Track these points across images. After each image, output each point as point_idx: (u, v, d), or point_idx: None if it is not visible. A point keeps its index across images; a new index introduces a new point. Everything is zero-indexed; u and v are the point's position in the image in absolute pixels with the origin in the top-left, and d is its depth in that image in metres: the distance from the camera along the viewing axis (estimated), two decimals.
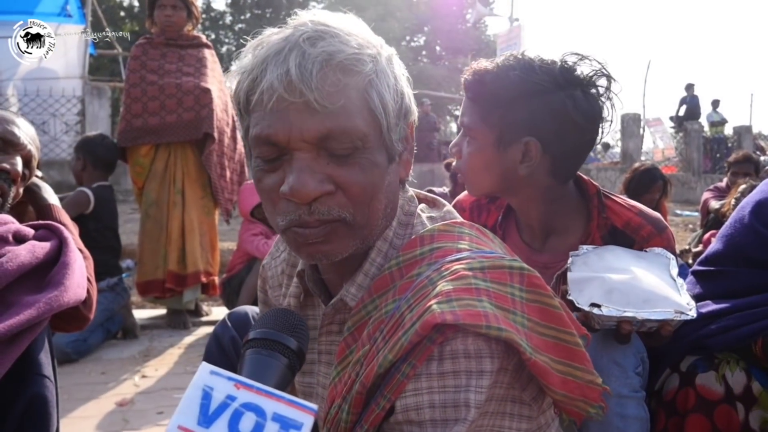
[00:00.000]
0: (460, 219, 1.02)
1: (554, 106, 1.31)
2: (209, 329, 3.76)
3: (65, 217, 1.64)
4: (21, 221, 1.40)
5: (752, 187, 3.77)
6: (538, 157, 1.36)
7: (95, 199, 3.45)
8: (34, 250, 1.28)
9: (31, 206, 1.65)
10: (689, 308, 1.17)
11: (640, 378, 1.24)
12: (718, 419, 1.21)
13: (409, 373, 0.80)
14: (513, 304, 0.83)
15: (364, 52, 0.87)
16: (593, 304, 1.17)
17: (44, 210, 1.61)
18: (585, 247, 1.34)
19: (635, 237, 1.40)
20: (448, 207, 1.06)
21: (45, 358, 1.28)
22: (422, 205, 1.04)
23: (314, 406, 0.72)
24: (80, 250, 1.52)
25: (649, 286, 1.21)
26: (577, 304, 1.18)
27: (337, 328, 1.01)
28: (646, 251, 1.35)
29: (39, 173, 1.65)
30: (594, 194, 1.45)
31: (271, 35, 0.88)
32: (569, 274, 1.26)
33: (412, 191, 1.05)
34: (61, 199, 1.75)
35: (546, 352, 0.83)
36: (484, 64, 1.39)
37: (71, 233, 1.58)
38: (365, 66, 0.86)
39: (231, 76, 0.91)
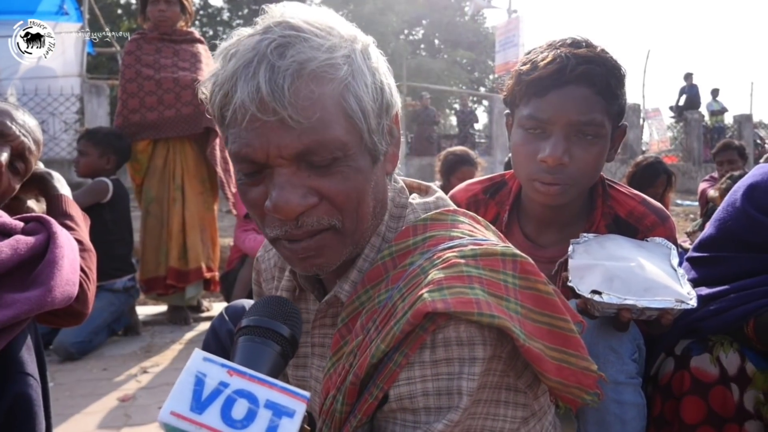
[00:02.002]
0: (452, 206, 1.01)
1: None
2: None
3: (74, 209, 1.60)
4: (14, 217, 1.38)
5: (741, 175, 3.80)
6: (621, 141, 1.41)
7: (113, 189, 3.44)
8: (17, 245, 1.23)
9: (42, 197, 1.62)
10: (690, 298, 1.17)
11: (636, 364, 1.24)
12: (713, 401, 1.22)
13: (401, 362, 0.80)
14: (506, 291, 0.83)
15: (337, 55, 0.83)
16: (594, 291, 1.17)
17: (53, 200, 1.58)
18: (586, 234, 1.34)
19: (638, 226, 1.40)
20: (440, 193, 1.05)
21: (28, 355, 1.25)
22: (413, 195, 1.03)
23: (307, 394, 0.72)
24: (81, 242, 1.49)
25: (650, 274, 1.20)
26: (577, 291, 1.18)
27: (330, 322, 1.01)
28: (647, 241, 1.35)
29: (41, 165, 1.62)
30: (599, 183, 1.45)
31: (240, 41, 0.84)
32: (570, 261, 1.25)
33: (402, 182, 1.04)
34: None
35: (540, 339, 0.83)
36: (582, 49, 1.32)
37: (77, 225, 1.55)
38: (339, 71, 0.83)
39: (204, 84, 0.88)
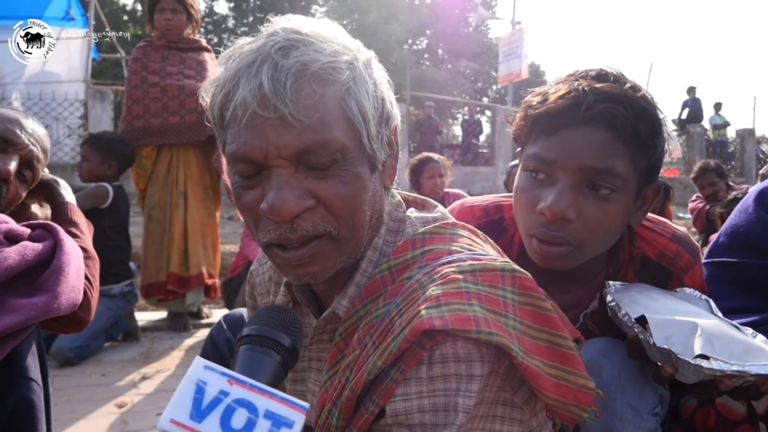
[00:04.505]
0: (452, 219, 1.00)
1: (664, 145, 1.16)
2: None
3: (79, 216, 1.61)
4: (19, 222, 1.39)
5: (744, 195, 3.81)
6: (652, 201, 1.19)
7: (113, 196, 3.45)
8: (25, 251, 1.24)
9: (47, 203, 1.63)
10: None
11: (657, 417, 1.14)
12: None
13: (398, 378, 0.79)
14: (505, 307, 0.82)
15: (340, 60, 0.84)
16: (701, 356, 1.00)
17: (59, 207, 1.59)
18: (614, 283, 1.19)
19: (672, 269, 1.22)
20: (440, 208, 1.03)
21: (32, 361, 1.26)
22: (411, 209, 1.02)
23: (306, 405, 0.72)
24: (85, 249, 1.49)
25: (736, 334, 1.08)
26: (678, 356, 1.00)
27: (327, 337, 1.00)
28: (677, 291, 1.22)
29: (46, 171, 1.63)
30: None
31: (243, 46, 0.86)
32: (651, 317, 1.08)
33: (399, 196, 1.03)
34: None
35: (538, 356, 0.82)
36: (606, 84, 1.10)
37: (82, 233, 1.56)
38: (341, 74, 0.83)
39: (204, 89, 0.89)
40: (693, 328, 1.06)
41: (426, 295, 0.81)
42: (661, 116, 1.13)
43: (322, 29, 0.87)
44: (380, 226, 0.96)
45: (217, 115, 0.87)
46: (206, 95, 0.89)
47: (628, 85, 1.11)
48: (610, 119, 1.06)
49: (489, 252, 0.93)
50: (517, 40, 14.20)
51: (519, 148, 1.24)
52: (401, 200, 1.03)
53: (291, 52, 0.81)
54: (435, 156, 4.42)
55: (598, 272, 1.26)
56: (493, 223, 1.30)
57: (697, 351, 1.01)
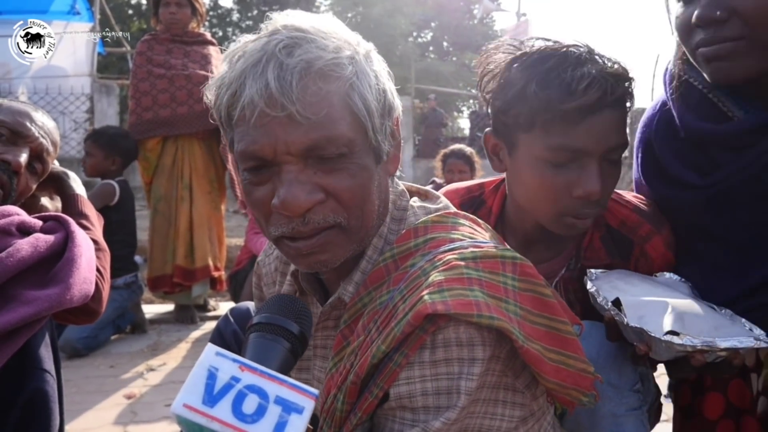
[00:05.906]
0: (454, 210, 1.02)
1: None
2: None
3: (89, 208, 1.62)
4: (30, 215, 1.39)
5: None
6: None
7: (120, 192, 3.49)
8: (37, 243, 1.24)
9: (58, 196, 1.64)
10: (763, 334, 1.06)
11: (638, 394, 1.17)
12: (731, 393, 1.22)
13: (401, 362, 0.81)
14: (505, 293, 0.84)
15: (342, 55, 0.86)
16: (671, 332, 1.04)
17: (70, 200, 1.60)
18: (595, 271, 1.22)
19: (632, 237, 1.29)
20: (443, 199, 1.05)
21: (46, 352, 1.27)
22: (414, 198, 1.04)
23: (315, 391, 0.73)
24: (96, 241, 1.50)
25: (708, 311, 1.11)
26: (649, 333, 1.04)
27: (332, 324, 1.02)
28: (656, 276, 1.26)
29: (57, 164, 1.64)
30: None
31: (246, 44, 0.87)
32: (625, 299, 1.12)
33: (402, 185, 1.05)
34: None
35: (539, 341, 0.84)
36: (616, 70, 1.18)
37: (92, 225, 1.57)
38: (345, 70, 0.85)
39: (209, 88, 0.90)
40: (664, 306, 1.09)
41: (428, 281, 0.83)
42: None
43: (322, 25, 0.88)
44: (386, 215, 0.98)
45: (224, 114, 0.88)
46: (211, 94, 0.90)
47: (623, 61, 1.20)
48: (623, 99, 1.18)
49: (490, 240, 0.95)
50: (523, 32, 14.13)
51: (489, 129, 1.30)
52: (404, 189, 1.05)
53: (295, 51, 0.83)
54: (467, 151, 4.36)
55: (570, 240, 1.34)
56: (474, 198, 1.44)
57: (667, 327, 1.05)
